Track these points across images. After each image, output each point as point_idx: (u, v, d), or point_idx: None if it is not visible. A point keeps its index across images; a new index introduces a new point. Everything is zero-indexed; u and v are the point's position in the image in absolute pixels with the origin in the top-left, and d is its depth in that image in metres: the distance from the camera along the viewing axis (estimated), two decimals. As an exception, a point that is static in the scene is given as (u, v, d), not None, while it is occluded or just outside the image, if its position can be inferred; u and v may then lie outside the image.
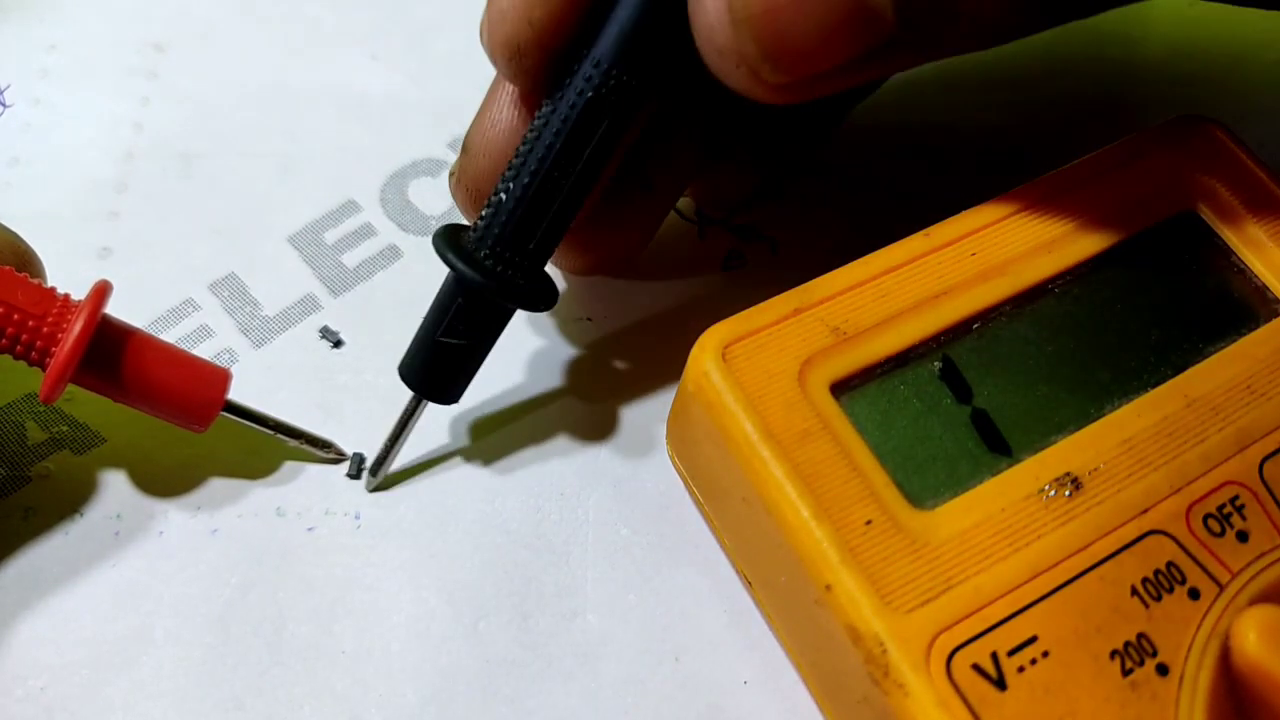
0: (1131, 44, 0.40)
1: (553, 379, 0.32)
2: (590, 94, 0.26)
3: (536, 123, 0.26)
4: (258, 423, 0.29)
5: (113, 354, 0.27)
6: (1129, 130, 0.30)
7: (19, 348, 0.26)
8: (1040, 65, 0.38)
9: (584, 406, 0.32)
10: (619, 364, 0.32)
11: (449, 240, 0.27)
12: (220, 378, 0.28)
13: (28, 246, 0.29)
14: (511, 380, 0.32)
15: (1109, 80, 0.39)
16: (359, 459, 0.30)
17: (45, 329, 0.26)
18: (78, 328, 0.26)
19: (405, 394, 0.29)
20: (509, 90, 0.29)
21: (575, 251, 0.31)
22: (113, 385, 0.27)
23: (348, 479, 0.30)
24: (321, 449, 0.30)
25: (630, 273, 0.34)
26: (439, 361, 0.28)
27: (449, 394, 0.29)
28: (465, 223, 0.29)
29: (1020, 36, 0.25)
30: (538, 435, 0.31)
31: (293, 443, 0.30)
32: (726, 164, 0.33)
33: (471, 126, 0.29)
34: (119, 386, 0.27)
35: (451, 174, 0.30)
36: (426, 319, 0.28)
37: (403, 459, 0.30)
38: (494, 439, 0.31)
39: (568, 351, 0.33)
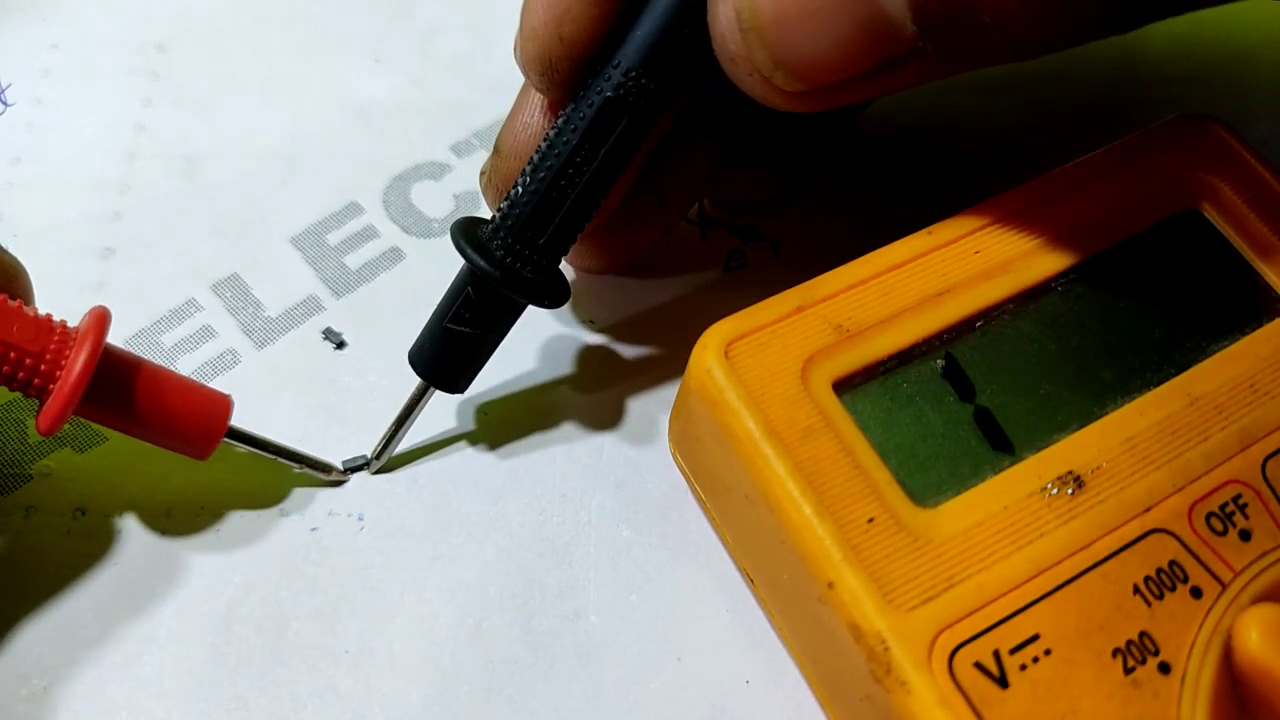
0: (1131, 44, 0.40)
1: (554, 380, 0.32)
2: (609, 94, 0.26)
3: (559, 122, 0.27)
4: (259, 448, 0.29)
5: (112, 387, 0.26)
6: (1129, 130, 0.30)
7: (15, 385, 0.26)
8: (1040, 65, 0.38)
9: (586, 408, 0.32)
10: (621, 366, 0.32)
11: (465, 230, 0.28)
12: (221, 406, 0.28)
13: (13, 259, 0.28)
14: (513, 381, 0.32)
15: (1109, 80, 0.39)
16: (361, 459, 0.30)
17: (43, 367, 0.25)
18: (78, 366, 0.25)
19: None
20: (537, 93, 0.29)
21: (591, 252, 0.32)
22: (112, 416, 0.27)
23: (350, 474, 0.30)
24: (324, 472, 0.30)
25: (632, 273, 0.34)
26: (446, 349, 0.29)
27: (455, 383, 0.29)
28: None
29: (1050, 52, 0.24)
30: (540, 437, 0.31)
31: (296, 468, 0.30)
32: (742, 168, 0.33)
33: (503, 129, 0.30)
34: (118, 418, 0.27)
35: (483, 174, 0.31)
36: (438, 307, 0.29)
37: (407, 446, 0.31)
38: (496, 440, 0.31)
39: (569, 353, 0.33)
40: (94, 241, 0.33)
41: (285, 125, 0.36)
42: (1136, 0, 0.23)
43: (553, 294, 0.28)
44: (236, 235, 0.34)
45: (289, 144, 0.36)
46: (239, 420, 0.28)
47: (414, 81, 0.38)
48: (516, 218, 0.27)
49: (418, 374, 0.29)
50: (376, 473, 0.30)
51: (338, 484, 0.30)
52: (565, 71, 0.27)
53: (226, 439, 0.28)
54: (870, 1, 0.23)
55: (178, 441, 0.27)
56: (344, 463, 0.30)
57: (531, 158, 0.27)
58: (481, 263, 0.27)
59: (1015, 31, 0.23)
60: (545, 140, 0.27)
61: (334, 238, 0.34)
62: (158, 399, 0.27)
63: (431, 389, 0.29)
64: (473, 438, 0.31)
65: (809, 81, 0.24)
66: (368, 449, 0.30)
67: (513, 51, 0.28)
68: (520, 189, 0.27)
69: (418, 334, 0.29)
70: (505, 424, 0.31)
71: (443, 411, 0.31)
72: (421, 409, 0.30)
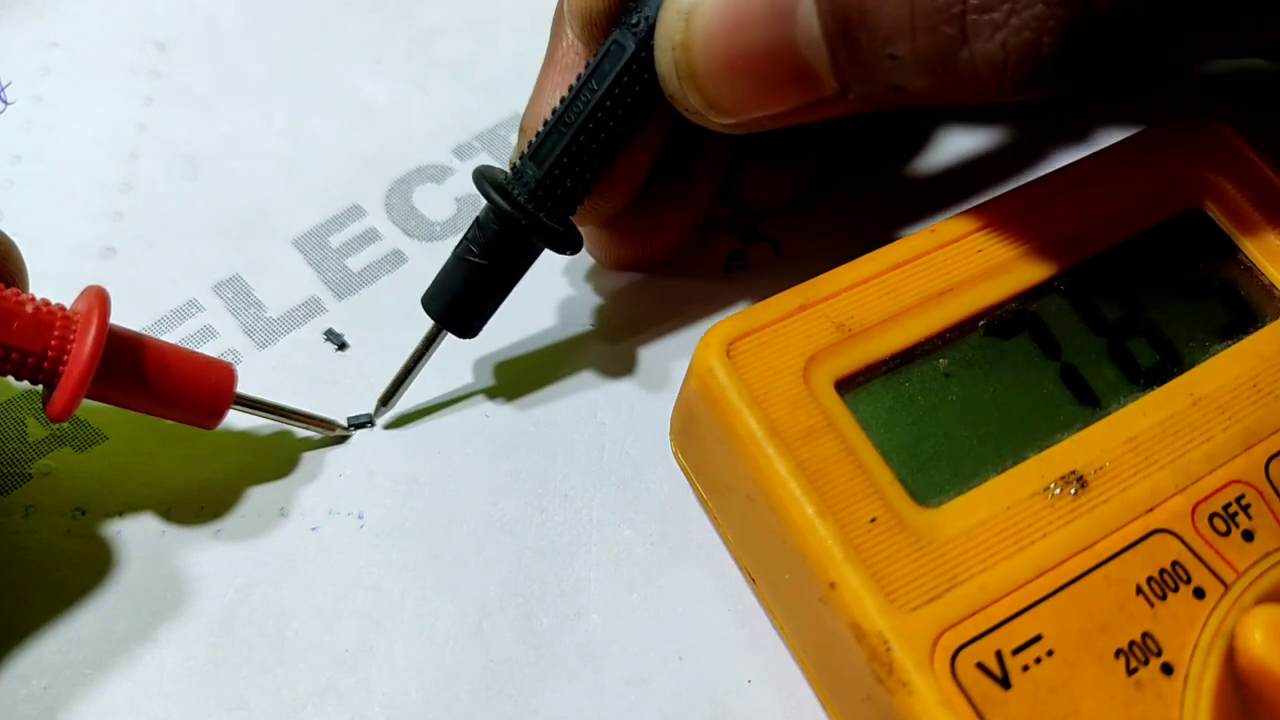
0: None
1: (555, 379, 0.32)
2: (621, 31, 0.27)
3: (582, 74, 0.28)
4: (265, 410, 0.29)
5: (119, 367, 0.26)
6: (1131, 130, 0.30)
7: (22, 376, 0.25)
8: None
9: (587, 407, 0.32)
10: (622, 365, 0.32)
11: (484, 171, 0.29)
12: (226, 372, 0.28)
13: (2, 237, 0.28)
14: (514, 380, 0.32)
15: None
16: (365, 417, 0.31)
17: (49, 356, 0.25)
18: (85, 353, 0.25)
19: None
20: (559, 75, 0.30)
21: (620, 239, 0.33)
22: (122, 394, 0.27)
23: (355, 430, 0.31)
24: (328, 430, 0.30)
25: (635, 273, 0.34)
26: (458, 286, 0.29)
27: (466, 326, 0.30)
28: None
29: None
30: (541, 435, 0.31)
31: (301, 433, 0.30)
32: (762, 166, 0.34)
33: (526, 111, 0.31)
34: (128, 395, 0.27)
35: (512, 165, 0.31)
36: (451, 253, 0.29)
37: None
38: (498, 439, 0.31)
39: (570, 352, 0.33)
40: (95, 241, 0.33)
41: (287, 126, 0.36)
42: (1041, 78, 0.24)
43: (562, 238, 0.29)
44: (238, 236, 0.34)
45: (290, 145, 0.36)
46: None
47: (415, 84, 0.38)
48: (531, 152, 0.28)
49: (430, 316, 0.29)
50: (385, 424, 0.31)
51: (342, 440, 0.30)
52: (604, 27, 0.28)
53: (234, 405, 0.28)
54: (793, 58, 0.25)
55: (189, 412, 0.28)
56: (349, 419, 0.31)
57: (554, 107, 0.28)
58: (492, 192, 0.28)
59: (926, 97, 0.25)
60: (569, 89, 0.28)
61: (336, 240, 0.34)
62: (165, 371, 0.27)
63: (444, 332, 0.30)
64: (474, 436, 0.31)
65: (740, 118, 0.26)
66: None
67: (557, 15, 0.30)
68: (539, 135, 0.28)
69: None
70: (506, 422, 0.31)
71: (443, 410, 0.31)
72: (431, 355, 0.30)
